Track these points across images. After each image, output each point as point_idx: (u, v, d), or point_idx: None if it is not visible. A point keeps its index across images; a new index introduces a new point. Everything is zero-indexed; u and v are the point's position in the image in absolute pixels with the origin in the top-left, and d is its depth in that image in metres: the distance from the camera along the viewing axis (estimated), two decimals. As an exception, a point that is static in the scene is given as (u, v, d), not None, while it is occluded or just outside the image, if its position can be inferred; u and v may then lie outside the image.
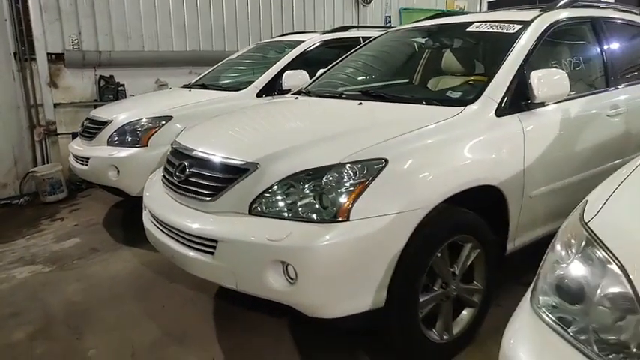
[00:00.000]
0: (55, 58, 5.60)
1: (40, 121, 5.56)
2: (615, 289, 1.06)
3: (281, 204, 2.02)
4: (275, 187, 2.03)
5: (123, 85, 5.95)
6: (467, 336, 2.38)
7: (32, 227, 4.45)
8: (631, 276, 1.04)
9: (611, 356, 1.03)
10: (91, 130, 4.18)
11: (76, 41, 5.69)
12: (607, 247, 1.11)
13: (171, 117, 3.85)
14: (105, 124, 4.04)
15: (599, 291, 1.09)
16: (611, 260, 1.09)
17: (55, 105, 5.62)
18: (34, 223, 4.56)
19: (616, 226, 1.19)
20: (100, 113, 4.30)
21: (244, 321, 2.70)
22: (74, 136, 5.28)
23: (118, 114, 4.05)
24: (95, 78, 5.89)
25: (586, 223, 1.21)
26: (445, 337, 2.28)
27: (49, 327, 2.77)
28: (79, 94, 5.84)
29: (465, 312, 2.38)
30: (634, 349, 1.01)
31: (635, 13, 3.65)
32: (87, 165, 4.01)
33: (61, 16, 5.55)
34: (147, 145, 3.77)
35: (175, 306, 2.92)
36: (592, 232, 1.17)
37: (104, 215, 4.66)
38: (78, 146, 4.28)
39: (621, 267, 1.06)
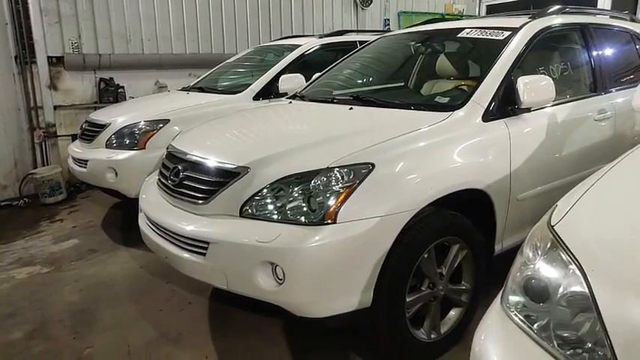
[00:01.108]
0: (55, 61, 5.67)
1: (40, 123, 5.63)
2: (574, 289, 1.12)
3: (271, 207, 2.08)
4: (265, 190, 2.09)
5: (123, 87, 6.03)
6: (455, 335, 2.43)
7: (31, 228, 4.51)
8: (588, 276, 1.10)
9: (569, 352, 1.09)
10: (90, 132, 4.24)
11: (76, 44, 5.76)
12: (569, 250, 1.17)
13: (169, 120, 3.91)
14: (103, 126, 4.11)
15: (560, 290, 1.15)
16: (571, 261, 1.15)
17: (55, 107, 5.70)
18: (33, 225, 4.62)
19: (579, 230, 1.25)
20: (99, 116, 4.37)
21: (239, 322, 2.75)
22: (74, 138, 5.35)
23: (117, 117, 4.11)
24: (95, 80, 5.96)
25: (552, 227, 1.26)
26: (433, 336, 2.33)
27: (46, 327, 2.83)
28: (79, 96, 5.91)
29: (452, 312, 2.43)
30: (589, 345, 1.06)
31: (624, 19, 3.71)
32: (85, 167, 4.07)
33: (61, 20, 5.62)
34: (144, 148, 3.83)
35: (172, 307, 2.97)
36: (557, 235, 1.23)
37: (102, 217, 4.72)
38: (77, 148, 4.35)
39: (580, 268, 1.12)
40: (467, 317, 2.46)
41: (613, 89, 3.21)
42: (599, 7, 5.56)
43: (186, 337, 2.66)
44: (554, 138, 2.72)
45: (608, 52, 3.34)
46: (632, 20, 3.84)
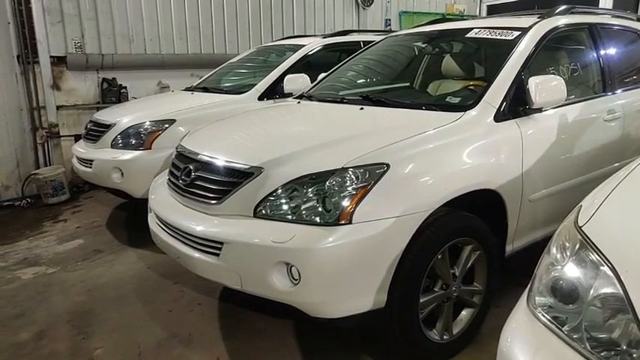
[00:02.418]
0: (58, 61, 5.64)
1: (42, 123, 5.61)
2: (607, 290, 1.12)
3: (285, 207, 2.07)
4: (279, 191, 2.08)
5: (125, 87, 6.01)
6: (467, 336, 2.43)
7: (35, 229, 4.50)
8: (622, 277, 1.09)
9: (603, 353, 1.08)
10: (95, 132, 4.22)
11: (78, 44, 5.74)
12: (600, 251, 1.16)
13: (175, 120, 3.90)
14: (109, 126, 4.09)
15: (592, 292, 1.14)
16: (603, 263, 1.14)
17: (58, 107, 5.67)
18: (36, 225, 4.60)
19: (608, 230, 1.24)
20: (104, 116, 4.35)
21: (249, 324, 2.74)
22: (77, 138, 5.35)
23: (122, 117, 4.10)
24: (98, 80, 5.94)
25: (580, 227, 1.26)
26: (445, 337, 2.33)
27: (55, 327, 2.81)
28: (82, 96, 5.89)
29: (464, 312, 2.43)
30: (624, 347, 1.06)
31: (631, 19, 3.71)
32: (91, 167, 4.05)
33: (64, 19, 5.60)
34: (150, 148, 3.82)
35: (181, 308, 2.96)
36: (586, 235, 1.22)
37: (107, 217, 4.71)
38: (81, 148, 4.33)
39: (613, 269, 1.11)
40: (479, 318, 2.46)
41: (621, 89, 3.21)
42: (600, 6, 5.57)
43: (197, 338, 2.65)
44: (565, 138, 2.71)
45: (616, 52, 3.34)
46: (639, 20, 3.84)
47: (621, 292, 1.08)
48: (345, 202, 1.96)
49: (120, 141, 3.97)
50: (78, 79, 5.84)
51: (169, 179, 2.67)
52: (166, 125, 3.89)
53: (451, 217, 2.21)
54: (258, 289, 2.06)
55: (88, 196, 5.48)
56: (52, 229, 4.48)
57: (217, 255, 2.10)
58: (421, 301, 2.15)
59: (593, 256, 1.17)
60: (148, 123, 3.93)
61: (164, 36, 6.31)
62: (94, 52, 5.81)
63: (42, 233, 4.39)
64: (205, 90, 4.75)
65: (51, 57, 5.54)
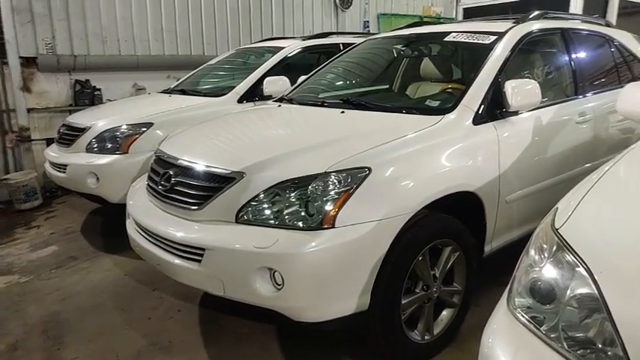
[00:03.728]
0: (28, 62, 5.51)
1: (12, 126, 5.46)
2: (583, 290, 1.15)
3: (267, 212, 2.06)
4: (261, 196, 2.08)
5: (99, 89, 5.90)
6: (447, 335, 2.46)
7: (6, 236, 4.37)
8: (596, 278, 1.13)
9: (579, 352, 1.12)
10: (69, 136, 4.13)
11: (50, 45, 5.61)
12: (575, 252, 1.20)
13: (152, 123, 3.84)
14: (83, 130, 4.00)
15: (568, 292, 1.18)
16: (579, 264, 1.18)
17: (29, 110, 5.54)
18: (8, 232, 4.47)
19: (584, 232, 1.28)
20: (78, 119, 4.26)
21: (231, 329, 2.72)
22: (49, 142, 5.22)
23: (97, 120, 4.02)
24: (70, 82, 5.82)
25: (557, 230, 1.29)
26: (426, 337, 2.36)
27: (29, 338, 2.74)
28: (54, 99, 5.76)
29: (445, 312, 2.47)
30: (599, 345, 1.10)
31: (600, 24, 3.83)
32: (65, 172, 3.96)
33: (34, 19, 5.47)
34: (127, 152, 3.75)
35: (160, 315, 2.92)
36: (562, 237, 1.26)
37: (82, 223, 4.61)
38: (54, 153, 4.23)
39: (588, 270, 1.15)
40: (459, 318, 2.50)
41: (592, 92, 3.30)
42: (571, 11, 5.72)
43: (178, 345, 2.61)
44: (540, 141, 2.78)
45: (587, 56, 3.44)
46: (608, 25, 3.96)
47: (596, 292, 1.12)
48: (328, 207, 1.97)
49: (95, 145, 3.88)
50: (49, 80, 5.71)
51: (148, 184, 2.63)
52: (144, 129, 3.82)
53: (431, 220, 2.24)
54: (241, 295, 2.04)
55: (62, 202, 5.35)
56: (25, 236, 4.36)
57: (199, 261, 2.08)
58: (403, 302, 2.18)
59: (570, 258, 1.20)
60: (124, 126, 3.87)
61: (139, 37, 6.21)
62: (66, 53, 5.69)
63: (14, 240, 4.27)
64: (183, 92, 4.69)
65: (20, 58, 5.40)
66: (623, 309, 1.07)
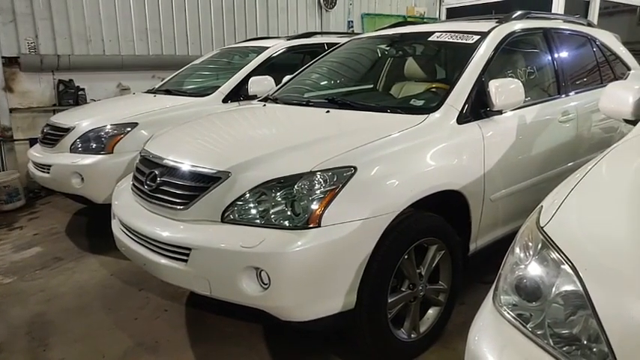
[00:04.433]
0: (10, 62, 5.43)
1: (-6, 127, 5.39)
2: (568, 288, 1.17)
3: (253, 211, 2.06)
4: (247, 195, 2.08)
5: (83, 89, 5.83)
6: (434, 334, 2.48)
7: (-11, 237, 4.31)
8: (581, 275, 1.15)
9: (564, 348, 1.14)
10: (52, 136, 4.08)
11: (32, 44, 5.53)
12: (560, 250, 1.22)
13: (137, 123, 3.82)
14: (67, 130, 3.96)
15: (553, 289, 1.19)
16: (564, 261, 1.19)
17: (11, 110, 5.47)
18: (-10, 233, 4.41)
19: (568, 230, 1.30)
20: (62, 119, 4.21)
21: (218, 329, 2.71)
22: (32, 142, 5.15)
23: (81, 120, 3.98)
24: (54, 82, 5.75)
25: (542, 228, 1.31)
26: (413, 335, 2.38)
27: (14, 339, 2.71)
28: (37, 98, 5.68)
29: (431, 311, 2.49)
30: (585, 342, 1.11)
31: (581, 24, 3.88)
32: (48, 172, 3.92)
33: (16, 18, 5.40)
34: (112, 152, 3.72)
35: (146, 315, 2.90)
36: (547, 235, 1.28)
37: (66, 223, 4.56)
38: (38, 153, 4.18)
39: (573, 267, 1.17)
40: (445, 316, 2.52)
41: (574, 91, 3.35)
42: (553, 11, 5.79)
43: (164, 345, 2.60)
44: (523, 139, 2.81)
45: (569, 55, 3.49)
46: (589, 25, 4.02)
47: (581, 289, 1.13)
48: (314, 206, 1.98)
49: (79, 145, 3.85)
50: (32, 80, 5.63)
51: (134, 184, 2.61)
52: (128, 129, 3.80)
53: (417, 218, 2.25)
54: (228, 294, 2.04)
55: (46, 202, 5.28)
56: (8, 237, 4.30)
57: (185, 261, 2.08)
58: (389, 301, 2.19)
59: (555, 255, 1.22)
60: (109, 126, 3.84)
61: (123, 36, 6.16)
62: (49, 53, 5.62)
63: (-4, 242, 4.21)
64: (168, 92, 4.66)
65: (2, 58, 5.33)
66: (608, 305, 1.09)
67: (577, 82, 3.46)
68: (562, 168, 3.10)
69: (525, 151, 2.84)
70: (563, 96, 3.25)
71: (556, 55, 3.33)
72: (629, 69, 3.88)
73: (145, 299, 3.07)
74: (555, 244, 1.24)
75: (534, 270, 1.27)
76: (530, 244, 1.32)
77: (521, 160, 2.82)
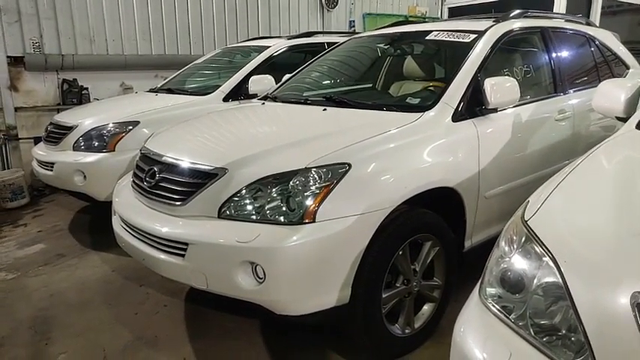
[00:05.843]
0: (16, 61, 5.49)
1: (-1, 125, 5.45)
2: (549, 279, 1.20)
3: (249, 207, 2.10)
4: (243, 191, 2.11)
5: (87, 88, 5.89)
6: (428, 329, 2.51)
7: (-7, 234, 4.37)
8: (561, 267, 1.18)
9: (545, 339, 1.17)
10: (56, 134, 4.14)
11: (37, 44, 5.60)
12: (542, 243, 1.25)
13: (139, 122, 3.86)
14: (70, 128, 4.02)
15: (535, 281, 1.23)
16: (545, 254, 1.23)
17: (16, 109, 5.53)
18: (-5, 230, 4.48)
19: (551, 224, 1.34)
20: (65, 118, 4.26)
21: (217, 324, 2.75)
22: (36, 140, 5.21)
23: (84, 119, 4.03)
24: (58, 81, 5.80)
25: (526, 222, 1.34)
26: (407, 331, 2.41)
27: (17, 333, 2.76)
28: (42, 98, 5.74)
29: (425, 307, 2.52)
30: (564, 332, 1.15)
31: (580, 23, 3.90)
32: (52, 170, 3.97)
33: (21, 18, 5.46)
34: (114, 150, 3.77)
35: (147, 310, 2.95)
36: (531, 229, 1.31)
37: (69, 220, 4.61)
38: (42, 151, 4.24)
39: (553, 259, 1.20)
40: (439, 312, 2.55)
41: (571, 90, 3.37)
42: (555, 10, 5.79)
43: (163, 339, 2.64)
44: (519, 137, 2.84)
45: (567, 54, 3.51)
46: (588, 24, 4.03)
47: (561, 280, 1.17)
48: (309, 202, 2.01)
49: (82, 143, 3.90)
50: (37, 79, 5.70)
51: (133, 181, 2.66)
52: (130, 127, 3.85)
53: (411, 215, 2.29)
54: (224, 288, 2.08)
55: (49, 200, 5.35)
56: (12, 234, 4.37)
57: (182, 256, 2.12)
58: (384, 296, 2.22)
59: (537, 248, 1.26)
60: (111, 125, 3.89)
61: (127, 36, 6.21)
62: (54, 53, 5.68)
63: (1, 238, 4.26)
64: (170, 91, 4.71)
65: (8, 57, 5.39)
66: (585, 296, 1.12)
67: (574, 81, 3.47)
68: (558, 166, 3.09)
69: (521, 149, 2.87)
70: (560, 94, 3.27)
71: (553, 54, 3.34)
72: (628, 68, 3.89)
73: (145, 295, 3.12)
74: (538, 237, 1.27)
75: (518, 262, 1.30)
76: (514, 237, 1.35)
77: (517, 158, 2.84)
